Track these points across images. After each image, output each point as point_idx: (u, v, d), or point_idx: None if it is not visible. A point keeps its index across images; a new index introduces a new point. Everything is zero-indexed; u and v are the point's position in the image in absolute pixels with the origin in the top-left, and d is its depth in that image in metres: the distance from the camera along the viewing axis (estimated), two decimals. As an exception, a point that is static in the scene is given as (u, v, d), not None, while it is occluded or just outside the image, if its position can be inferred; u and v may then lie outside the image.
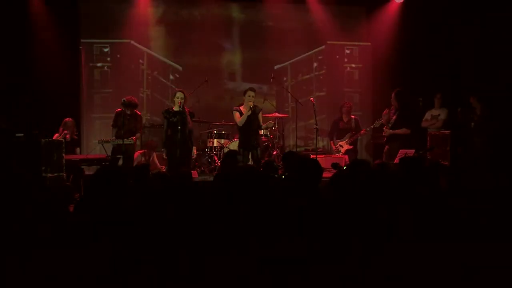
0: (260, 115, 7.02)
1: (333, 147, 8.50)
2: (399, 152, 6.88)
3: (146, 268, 2.44)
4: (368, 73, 10.02)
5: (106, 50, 9.55)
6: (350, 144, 8.29)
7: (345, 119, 8.51)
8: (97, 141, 7.34)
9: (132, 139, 7.24)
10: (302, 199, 2.86)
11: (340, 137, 8.46)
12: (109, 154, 7.08)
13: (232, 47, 9.85)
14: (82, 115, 9.33)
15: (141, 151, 8.46)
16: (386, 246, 2.50)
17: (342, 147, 8.33)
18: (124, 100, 7.18)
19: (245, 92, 6.88)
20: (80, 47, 9.36)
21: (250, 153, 6.80)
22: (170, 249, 2.55)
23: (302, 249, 2.44)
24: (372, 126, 8.34)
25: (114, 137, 7.35)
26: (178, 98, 6.68)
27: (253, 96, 6.79)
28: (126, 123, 7.38)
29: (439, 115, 7.97)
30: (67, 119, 7.60)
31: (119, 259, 2.45)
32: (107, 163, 6.68)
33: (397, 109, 7.59)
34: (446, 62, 8.77)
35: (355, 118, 8.58)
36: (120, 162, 6.95)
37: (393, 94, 7.63)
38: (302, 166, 3.26)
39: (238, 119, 6.81)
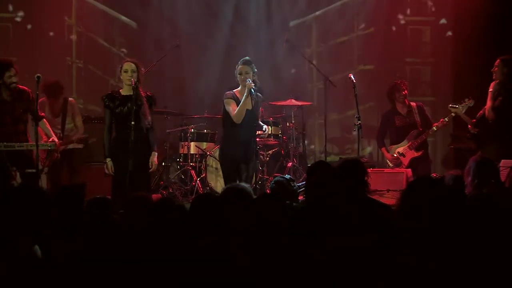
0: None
1: (387, 156, 8.29)
2: (501, 164, 6.68)
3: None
4: (447, 32, 9.91)
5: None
6: (416, 150, 8.11)
7: (402, 110, 8.27)
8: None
9: (53, 142, 7.15)
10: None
11: (398, 141, 8.22)
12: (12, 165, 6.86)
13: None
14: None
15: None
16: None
17: (404, 156, 8.14)
18: None
19: (236, 69, 6.85)
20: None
21: (246, 165, 6.79)
22: None
23: None
24: (452, 114, 7.73)
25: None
26: (128, 72, 6.62)
27: (247, 73, 6.74)
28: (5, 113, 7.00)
29: None
30: None
31: None
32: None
33: (504, 86, 7.44)
34: None
35: (417, 106, 8.33)
36: (18, 179, 6.83)
37: (497, 62, 7.54)
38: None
39: (234, 111, 6.76)
